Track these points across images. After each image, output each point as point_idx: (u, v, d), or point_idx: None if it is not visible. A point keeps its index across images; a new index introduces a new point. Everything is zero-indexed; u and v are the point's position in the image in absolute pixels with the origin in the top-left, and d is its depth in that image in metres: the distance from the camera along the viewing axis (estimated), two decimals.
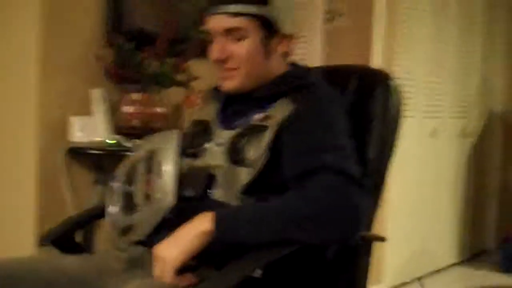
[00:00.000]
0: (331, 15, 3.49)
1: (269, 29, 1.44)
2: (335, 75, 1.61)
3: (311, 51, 3.54)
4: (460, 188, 4.25)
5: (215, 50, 1.43)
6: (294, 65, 1.57)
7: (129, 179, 1.44)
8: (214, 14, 1.42)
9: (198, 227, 1.22)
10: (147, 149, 1.45)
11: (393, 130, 1.56)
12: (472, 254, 4.39)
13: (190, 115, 1.72)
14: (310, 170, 1.27)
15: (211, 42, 1.47)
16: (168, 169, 1.36)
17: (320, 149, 1.32)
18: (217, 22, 1.42)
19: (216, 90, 1.61)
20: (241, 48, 1.42)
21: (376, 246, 1.53)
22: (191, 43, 2.46)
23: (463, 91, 4.20)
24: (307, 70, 1.57)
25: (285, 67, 1.53)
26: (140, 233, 1.37)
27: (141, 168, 1.42)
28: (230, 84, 1.47)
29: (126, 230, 1.39)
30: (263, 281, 1.27)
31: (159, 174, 1.36)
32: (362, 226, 1.25)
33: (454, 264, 4.18)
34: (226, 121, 1.50)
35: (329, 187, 1.23)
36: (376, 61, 3.32)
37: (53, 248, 1.52)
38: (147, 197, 1.38)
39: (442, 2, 3.88)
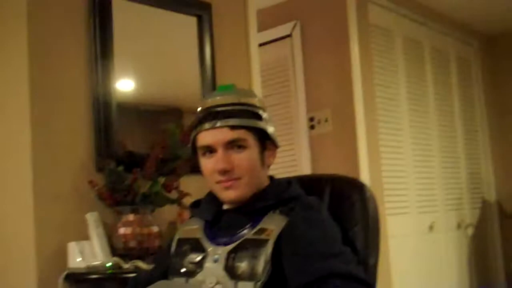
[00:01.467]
0: (315, 122, 3.60)
1: (262, 141, 1.53)
2: (309, 185, 1.66)
3: (300, 157, 3.64)
4: (465, 280, 4.20)
5: (220, 161, 1.47)
6: (271, 178, 1.63)
7: None
8: (214, 128, 1.48)
9: None
10: None
11: (376, 233, 1.60)
12: None
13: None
14: (318, 279, 1.29)
15: (204, 156, 1.52)
16: None
17: (323, 258, 1.34)
18: (219, 135, 1.47)
19: (198, 205, 1.65)
20: (244, 159, 1.48)
21: None
22: (180, 161, 2.52)
23: (454, 183, 4.25)
24: (289, 182, 1.61)
25: (268, 180, 1.60)
26: None
27: None
28: (233, 194, 1.50)
29: None
30: None
31: None
32: None
33: None
34: (216, 236, 1.52)
35: None
36: (363, 163, 3.39)
37: None
38: None
39: (420, 101, 4.01)
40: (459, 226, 4.23)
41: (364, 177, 3.29)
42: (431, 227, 3.90)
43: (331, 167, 3.38)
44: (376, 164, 3.50)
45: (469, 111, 4.59)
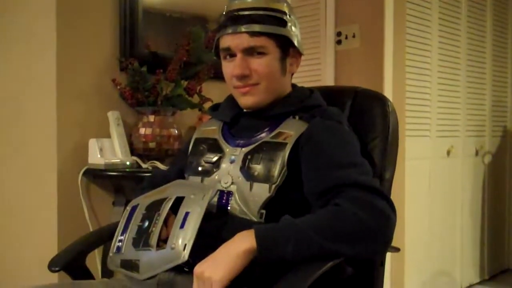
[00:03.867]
0: (342, 37, 3.55)
1: (284, 48, 1.51)
2: (331, 95, 1.66)
3: (324, 72, 3.60)
4: (478, 207, 4.23)
5: (237, 66, 1.47)
6: (294, 85, 1.62)
7: (149, 214, 1.38)
8: (235, 33, 1.47)
9: (241, 246, 1.19)
10: (177, 193, 1.38)
11: (395, 148, 1.61)
12: (492, 274, 4.35)
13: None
14: (336, 186, 1.30)
15: (225, 59, 1.52)
16: (192, 224, 1.27)
17: (341, 166, 1.35)
18: (239, 40, 1.46)
19: (217, 108, 1.66)
20: (262, 65, 1.47)
21: (394, 268, 1.56)
22: (203, 66, 2.51)
23: (477, 110, 4.21)
24: (311, 90, 1.62)
25: (290, 87, 1.60)
26: (140, 273, 1.31)
27: (165, 210, 1.35)
28: (250, 99, 1.51)
29: (127, 263, 1.35)
30: None
31: (182, 225, 1.28)
32: (392, 237, 1.26)
33: (474, 285, 4.14)
34: (234, 138, 1.54)
35: (361, 202, 1.24)
36: (388, 82, 3.35)
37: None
38: (162, 240, 1.32)
39: (452, 23, 3.91)
40: (477, 153, 4.21)
41: (387, 96, 3.26)
42: (448, 152, 3.89)
43: (355, 83, 3.33)
44: (401, 84, 3.45)
45: (501, 38, 4.47)
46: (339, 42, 3.58)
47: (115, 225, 1.47)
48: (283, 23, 1.50)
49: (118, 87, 2.43)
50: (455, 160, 3.97)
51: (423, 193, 3.65)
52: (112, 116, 2.38)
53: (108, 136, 2.39)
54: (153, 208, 1.38)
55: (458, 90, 3.98)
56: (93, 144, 2.35)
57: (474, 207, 4.19)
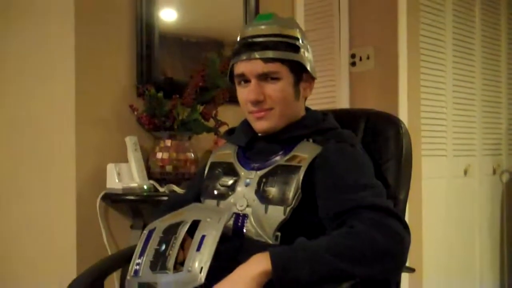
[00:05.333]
0: (357, 59, 3.57)
1: (297, 73, 1.54)
2: (345, 118, 1.69)
3: (339, 94, 3.63)
4: (496, 227, 4.20)
5: (252, 92, 1.50)
6: (307, 109, 1.65)
7: (166, 237, 1.39)
8: (249, 59, 1.50)
9: (256, 268, 1.20)
10: (194, 216, 1.40)
11: (408, 169, 1.63)
12: None
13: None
14: (350, 208, 1.31)
15: (240, 85, 1.55)
16: (208, 247, 1.28)
17: (355, 188, 1.36)
18: (253, 66, 1.50)
19: (232, 132, 1.69)
20: (277, 90, 1.50)
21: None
22: (219, 91, 2.54)
23: (493, 128, 4.20)
24: (325, 113, 1.64)
25: (304, 111, 1.63)
26: None
27: (182, 233, 1.37)
28: (265, 124, 1.54)
29: (145, 286, 1.35)
30: None
31: (199, 248, 1.30)
32: (407, 258, 1.28)
33: None
34: (249, 162, 1.56)
35: (375, 224, 1.25)
36: (403, 103, 3.37)
37: None
38: (179, 263, 1.34)
39: (466, 42, 3.92)
40: (494, 171, 4.20)
41: (403, 117, 3.27)
42: (465, 171, 3.88)
43: (370, 105, 3.34)
44: (416, 105, 3.47)
45: None
46: (353, 64, 3.60)
47: (133, 248, 1.48)
48: (296, 49, 1.53)
49: (136, 112, 2.47)
50: (472, 179, 3.96)
51: (440, 213, 3.64)
52: (130, 141, 2.41)
53: (126, 160, 2.41)
54: (170, 231, 1.40)
55: (474, 109, 3.99)
56: (111, 169, 2.37)
57: (493, 227, 4.16)
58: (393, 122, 1.66)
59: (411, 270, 1.54)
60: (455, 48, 3.80)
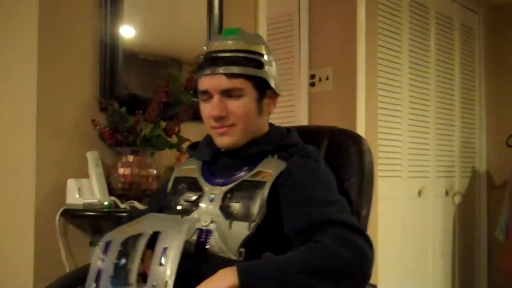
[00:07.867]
0: (316, 80, 3.62)
1: (261, 89, 1.55)
2: (308, 134, 1.71)
3: (298, 114, 3.67)
4: (448, 247, 4.29)
5: (214, 108, 1.50)
6: (271, 125, 1.66)
7: (125, 251, 1.35)
8: (213, 74, 1.50)
9: (223, 282, 1.18)
10: (152, 227, 1.36)
11: (370, 186, 1.66)
12: None
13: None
14: (316, 224, 1.31)
15: (203, 100, 1.55)
16: (171, 260, 1.25)
17: (320, 204, 1.37)
18: (217, 82, 1.50)
19: (195, 147, 1.69)
20: (239, 106, 1.51)
21: None
22: (182, 107, 2.55)
23: (447, 151, 4.30)
24: (288, 130, 1.66)
25: (268, 126, 1.64)
26: None
27: (141, 245, 1.33)
28: (226, 140, 1.54)
29: None
30: None
31: (161, 261, 1.26)
32: (371, 273, 1.28)
33: None
34: (213, 177, 1.56)
35: (341, 239, 1.26)
36: (361, 124, 3.43)
37: None
38: (141, 277, 1.31)
39: (422, 66, 4.03)
40: (447, 193, 4.29)
41: None
42: (419, 192, 3.96)
43: (328, 125, 3.42)
44: (373, 126, 3.54)
45: (469, 81, 4.61)
46: (312, 84, 3.66)
47: None
48: (261, 65, 1.54)
49: (98, 127, 2.45)
50: (426, 200, 4.05)
51: (396, 232, 3.70)
52: (91, 156, 2.39)
53: (87, 176, 2.39)
54: (129, 243, 1.36)
55: (428, 132, 4.09)
56: (71, 184, 2.34)
57: (445, 247, 4.25)
58: (356, 139, 1.70)
59: (372, 286, 1.56)
60: (411, 71, 3.90)
